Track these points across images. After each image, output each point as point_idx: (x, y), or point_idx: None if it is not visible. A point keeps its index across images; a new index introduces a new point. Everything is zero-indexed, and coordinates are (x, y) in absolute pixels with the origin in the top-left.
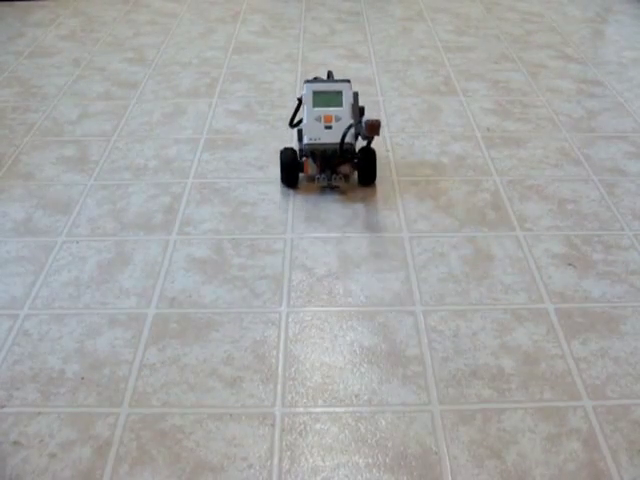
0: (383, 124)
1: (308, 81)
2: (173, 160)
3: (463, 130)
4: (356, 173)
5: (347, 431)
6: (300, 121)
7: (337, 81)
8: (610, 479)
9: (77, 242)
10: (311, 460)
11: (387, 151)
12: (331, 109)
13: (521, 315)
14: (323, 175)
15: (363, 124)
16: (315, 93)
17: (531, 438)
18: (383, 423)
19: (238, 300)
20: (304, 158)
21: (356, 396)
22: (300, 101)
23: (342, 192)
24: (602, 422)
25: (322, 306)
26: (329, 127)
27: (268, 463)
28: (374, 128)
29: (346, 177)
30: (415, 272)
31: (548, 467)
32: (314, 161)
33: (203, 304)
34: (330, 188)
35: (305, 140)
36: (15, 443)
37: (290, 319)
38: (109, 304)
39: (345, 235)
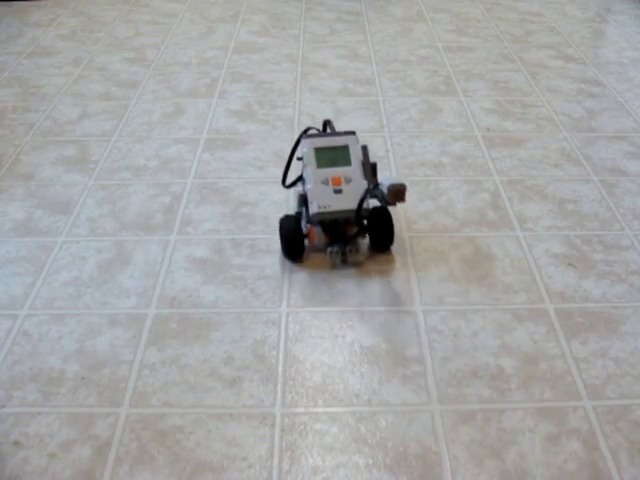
0: (383, 124)
1: (306, 136)
2: (173, 160)
3: (463, 130)
4: (367, 237)
5: (347, 431)
6: (298, 180)
7: (340, 134)
8: (610, 479)
9: (77, 242)
10: (311, 460)
11: (387, 151)
12: (339, 169)
13: (521, 315)
14: (335, 247)
15: (385, 189)
16: (318, 150)
17: (531, 438)
18: (383, 423)
19: (238, 300)
20: (309, 226)
21: (356, 396)
22: (291, 155)
23: (357, 265)
24: (602, 422)
25: (322, 306)
26: (339, 191)
27: (268, 463)
28: (399, 195)
29: (356, 244)
30: (415, 272)
31: (548, 467)
32: (323, 231)
33: (203, 304)
34: (344, 263)
35: (314, 209)
36: (15, 443)
37: (290, 319)
38: (109, 304)
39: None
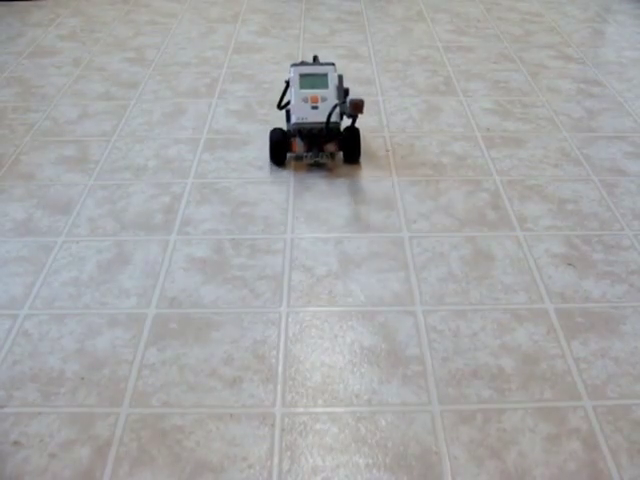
0: (383, 124)
1: (295, 64)
2: (173, 160)
3: (463, 130)
4: (341, 152)
5: (347, 431)
6: (288, 103)
7: (322, 64)
8: (610, 479)
9: (77, 242)
10: (311, 460)
11: (387, 151)
12: (317, 90)
13: (521, 315)
14: (310, 153)
15: (347, 103)
16: (302, 76)
17: (531, 438)
18: (383, 423)
19: (238, 300)
20: (292, 138)
21: (356, 396)
22: (287, 84)
23: (328, 169)
24: (602, 422)
25: (322, 306)
26: (315, 107)
27: (268, 463)
28: (358, 107)
29: (332, 155)
30: (415, 272)
31: (548, 467)
32: (302, 140)
33: (203, 304)
34: (317, 165)
35: (293, 120)
36: (15, 443)
37: (290, 319)
38: (109, 304)
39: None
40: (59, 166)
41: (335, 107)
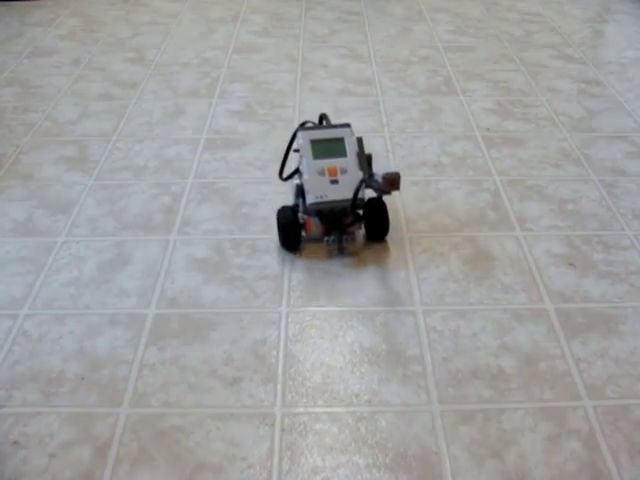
0: (383, 124)
1: (302, 128)
2: (173, 160)
3: (463, 130)
4: (363, 228)
5: (347, 431)
6: (295, 172)
7: (336, 126)
8: (610, 479)
9: (77, 242)
10: (311, 460)
11: (387, 151)
12: (335, 160)
13: (521, 315)
14: (332, 237)
15: (380, 178)
16: (314, 142)
17: (531, 438)
18: (383, 423)
19: (238, 300)
20: (305, 216)
21: (356, 396)
22: (289, 149)
23: (353, 254)
24: (602, 422)
25: (322, 306)
26: (335, 181)
27: (268, 463)
28: (393, 182)
29: (353, 236)
30: (415, 272)
31: (548, 467)
32: (320, 221)
33: (203, 304)
34: (340, 251)
35: (310, 199)
36: (15, 443)
37: (290, 319)
38: (109, 304)
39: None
40: (59, 166)
41: (362, 183)
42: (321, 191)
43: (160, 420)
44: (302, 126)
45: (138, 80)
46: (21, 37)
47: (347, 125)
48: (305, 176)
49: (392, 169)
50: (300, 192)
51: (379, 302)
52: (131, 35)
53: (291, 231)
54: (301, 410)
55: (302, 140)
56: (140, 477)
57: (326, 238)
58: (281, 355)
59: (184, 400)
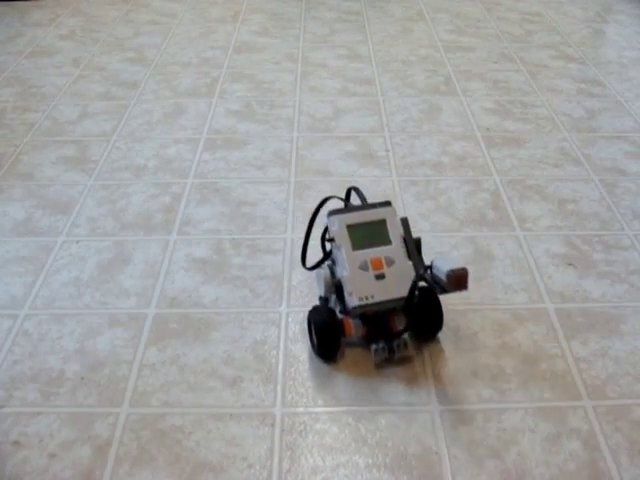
0: (383, 124)
1: (334, 212)
2: (173, 160)
3: (463, 130)
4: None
5: (347, 431)
6: (324, 259)
7: (374, 206)
8: (610, 479)
9: (77, 242)
10: (311, 460)
11: (387, 151)
12: (378, 249)
13: (521, 315)
14: (381, 344)
15: (444, 276)
16: (351, 229)
17: (531, 438)
18: (383, 423)
19: (238, 300)
20: (341, 315)
21: (356, 396)
22: (310, 231)
23: (405, 359)
24: (602, 422)
25: None
26: (381, 276)
27: (268, 463)
28: (461, 281)
29: (406, 344)
30: None
31: (548, 467)
32: (362, 322)
33: (203, 304)
34: (389, 360)
35: (354, 301)
36: (15, 443)
37: (290, 319)
38: (109, 304)
39: None
40: (59, 166)
41: (418, 281)
42: (366, 290)
43: (160, 420)
44: (324, 203)
45: (138, 80)
46: (21, 37)
47: (387, 203)
48: (345, 272)
49: (454, 261)
50: (335, 288)
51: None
52: (131, 35)
53: (331, 337)
54: (301, 410)
55: (337, 226)
56: (140, 477)
57: (374, 346)
58: (281, 355)
59: (184, 400)
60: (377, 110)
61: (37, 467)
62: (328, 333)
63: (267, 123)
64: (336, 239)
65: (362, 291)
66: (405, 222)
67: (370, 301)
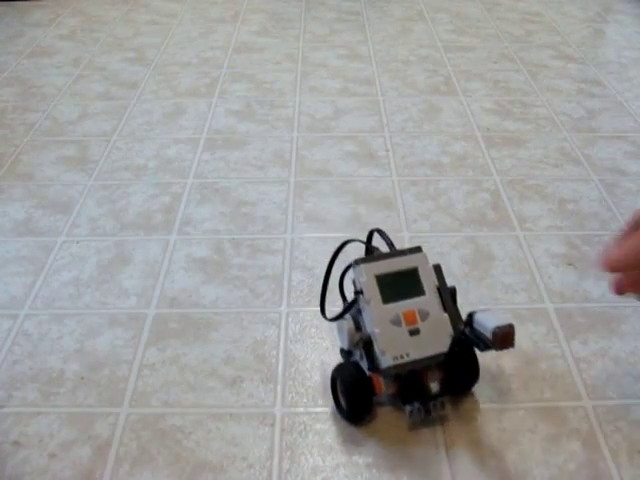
0: (383, 124)
1: (360, 261)
2: (173, 160)
3: (463, 130)
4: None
5: (347, 431)
6: (347, 309)
7: (404, 253)
8: (610, 479)
9: (77, 242)
10: (311, 460)
11: (387, 151)
12: (411, 301)
13: (521, 315)
14: (417, 405)
15: (489, 334)
16: (381, 279)
17: (531, 438)
18: (383, 423)
19: (238, 300)
20: (369, 372)
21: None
22: (328, 278)
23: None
24: (602, 422)
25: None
26: (415, 332)
27: (268, 463)
28: (508, 340)
29: (443, 404)
30: None
31: (548, 467)
32: (394, 379)
33: (203, 304)
34: (424, 421)
35: (387, 361)
36: (15, 443)
37: (290, 319)
38: (109, 304)
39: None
40: (59, 166)
41: (458, 338)
42: (400, 349)
43: (160, 420)
44: (342, 248)
45: (138, 80)
46: (21, 37)
47: (418, 249)
48: (375, 329)
49: (498, 316)
50: (364, 343)
51: None
52: (131, 35)
53: (361, 397)
54: (301, 410)
55: (365, 277)
56: (140, 477)
57: (409, 408)
58: (281, 355)
59: (184, 400)
60: (377, 110)
61: (37, 467)
62: (358, 393)
63: (267, 123)
64: (365, 292)
65: (396, 349)
66: (438, 269)
67: (405, 360)
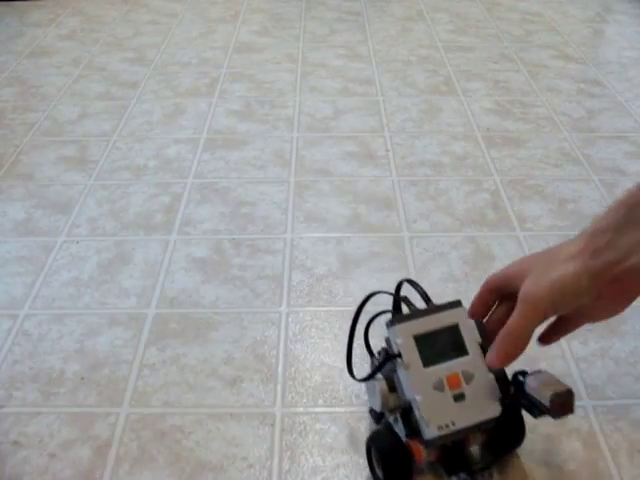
0: (383, 124)
1: (396, 320)
2: (173, 160)
3: (463, 130)
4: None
5: (347, 431)
6: (379, 369)
7: (441, 308)
8: (610, 479)
9: (77, 242)
10: (311, 460)
11: (387, 151)
12: (453, 363)
13: None
14: (463, 476)
15: (547, 401)
16: (419, 340)
17: (531, 438)
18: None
19: (238, 300)
20: (406, 438)
21: (356, 396)
22: (353, 335)
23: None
24: (602, 422)
25: (322, 306)
26: (460, 397)
27: (268, 463)
28: (567, 407)
29: (491, 475)
30: (415, 272)
31: (548, 467)
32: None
33: (203, 304)
34: None
35: (431, 432)
36: (15, 443)
37: (290, 319)
38: (109, 304)
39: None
40: (59, 166)
41: (510, 403)
42: (445, 417)
43: (160, 420)
44: (368, 300)
45: (138, 80)
46: (21, 37)
47: (458, 304)
48: (416, 395)
49: (554, 380)
50: (402, 410)
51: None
52: (131, 35)
53: (400, 467)
54: (301, 410)
55: (402, 339)
56: (140, 477)
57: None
58: (281, 355)
59: (184, 400)
60: (377, 110)
61: (37, 467)
62: (397, 463)
63: (267, 123)
64: (403, 355)
65: (441, 418)
66: (481, 325)
67: (451, 429)
